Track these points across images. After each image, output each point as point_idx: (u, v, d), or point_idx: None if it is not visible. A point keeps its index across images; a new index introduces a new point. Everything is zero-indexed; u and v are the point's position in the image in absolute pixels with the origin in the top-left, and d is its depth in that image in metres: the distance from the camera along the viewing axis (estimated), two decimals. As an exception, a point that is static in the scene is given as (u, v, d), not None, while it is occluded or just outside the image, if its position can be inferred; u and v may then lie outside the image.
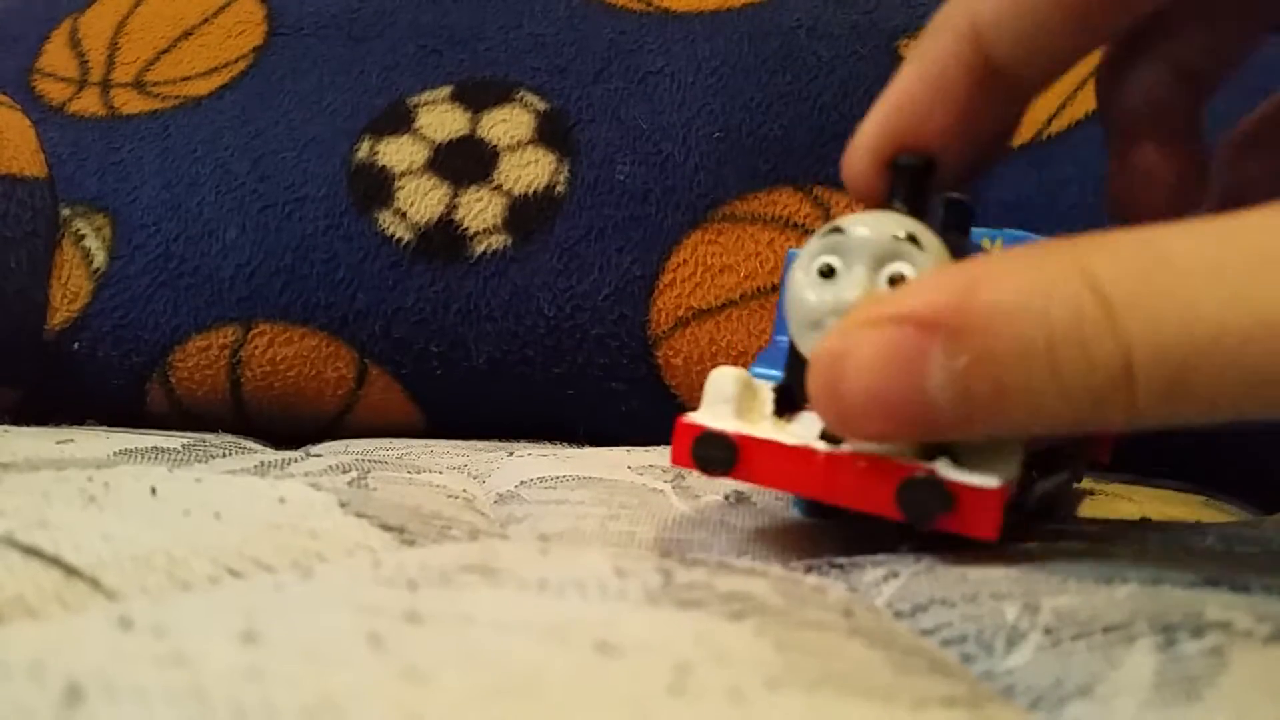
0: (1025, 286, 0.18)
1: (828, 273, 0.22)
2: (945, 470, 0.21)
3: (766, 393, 0.23)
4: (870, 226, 0.22)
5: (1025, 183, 0.42)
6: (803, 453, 0.22)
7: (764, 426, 0.22)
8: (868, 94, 0.45)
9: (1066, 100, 0.42)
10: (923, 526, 0.21)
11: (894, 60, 0.45)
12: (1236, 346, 0.17)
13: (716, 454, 0.22)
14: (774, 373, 0.24)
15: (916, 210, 0.23)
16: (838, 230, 0.22)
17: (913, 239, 0.22)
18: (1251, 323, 0.16)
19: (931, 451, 0.21)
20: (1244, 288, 0.17)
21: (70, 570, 0.18)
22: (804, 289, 0.22)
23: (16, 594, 0.16)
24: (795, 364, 0.23)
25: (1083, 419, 0.18)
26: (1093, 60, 0.43)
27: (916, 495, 0.21)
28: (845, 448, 0.22)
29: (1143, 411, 0.18)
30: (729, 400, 0.23)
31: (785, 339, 0.24)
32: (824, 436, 0.22)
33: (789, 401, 0.23)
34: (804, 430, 0.22)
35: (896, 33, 0.45)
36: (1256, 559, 0.23)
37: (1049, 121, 0.42)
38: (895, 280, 0.21)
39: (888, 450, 0.21)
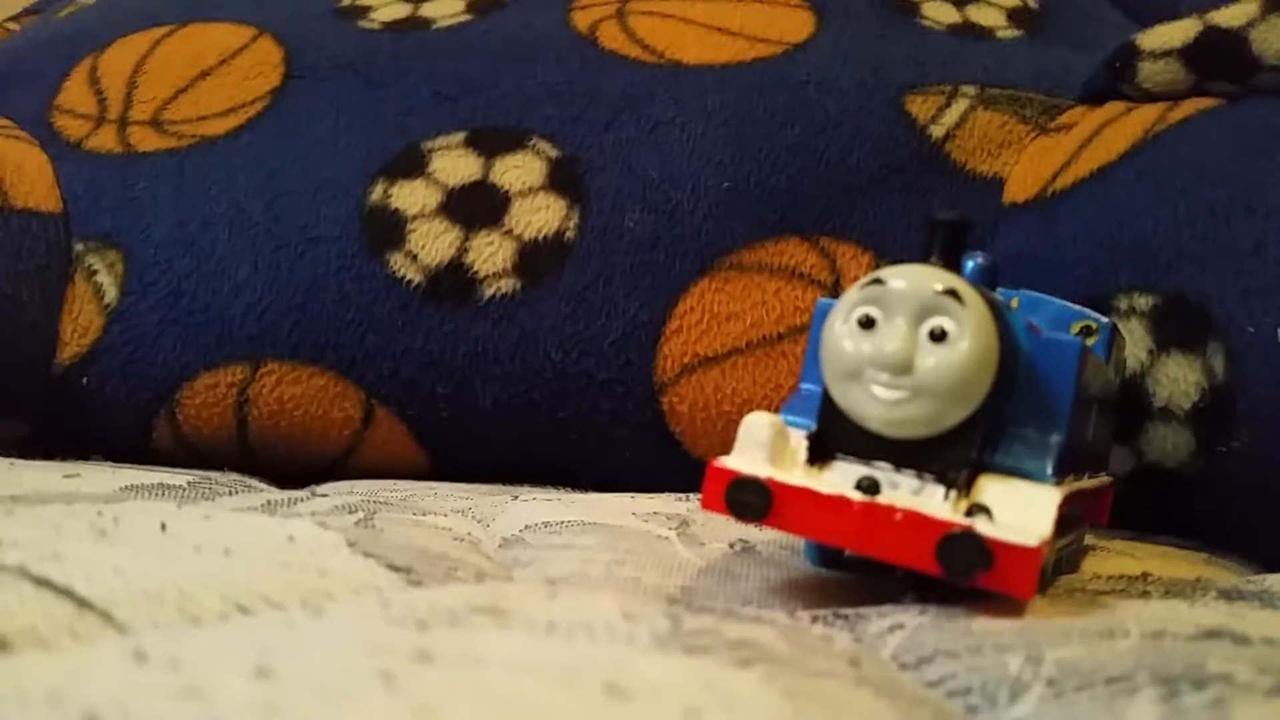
0: None
1: (867, 323, 0.22)
2: (984, 527, 0.21)
3: (799, 440, 0.23)
4: (911, 279, 0.22)
5: (1030, 239, 0.42)
6: (838, 502, 0.22)
7: (797, 474, 0.23)
8: (874, 148, 0.46)
9: (1071, 158, 0.43)
10: (961, 583, 0.21)
11: (900, 116, 0.45)
12: None
13: (751, 499, 0.22)
14: (803, 420, 0.24)
15: (953, 265, 0.23)
16: (878, 282, 0.22)
17: (953, 293, 0.22)
18: None
19: (969, 508, 0.22)
20: None
21: (82, 602, 0.18)
22: (843, 339, 0.22)
23: (29, 625, 0.17)
24: (829, 412, 0.23)
25: None
26: (1096, 119, 0.44)
27: (956, 551, 0.21)
28: (881, 499, 0.22)
29: None
30: (763, 446, 0.23)
31: (813, 387, 0.24)
32: (859, 486, 0.22)
33: (821, 449, 0.23)
34: (838, 479, 0.22)
35: (903, 89, 0.46)
36: (1258, 613, 0.23)
37: (1054, 178, 0.43)
38: (936, 334, 0.22)
39: (924, 505, 0.21)
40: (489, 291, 0.43)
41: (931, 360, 0.22)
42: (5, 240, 0.45)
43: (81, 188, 0.47)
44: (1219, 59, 0.41)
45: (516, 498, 0.36)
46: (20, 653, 0.16)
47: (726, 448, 0.24)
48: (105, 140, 0.49)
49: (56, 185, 0.47)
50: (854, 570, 0.25)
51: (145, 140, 0.48)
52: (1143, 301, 0.37)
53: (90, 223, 0.46)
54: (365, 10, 0.52)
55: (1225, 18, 0.41)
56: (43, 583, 0.18)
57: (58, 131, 0.49)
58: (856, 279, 0.42)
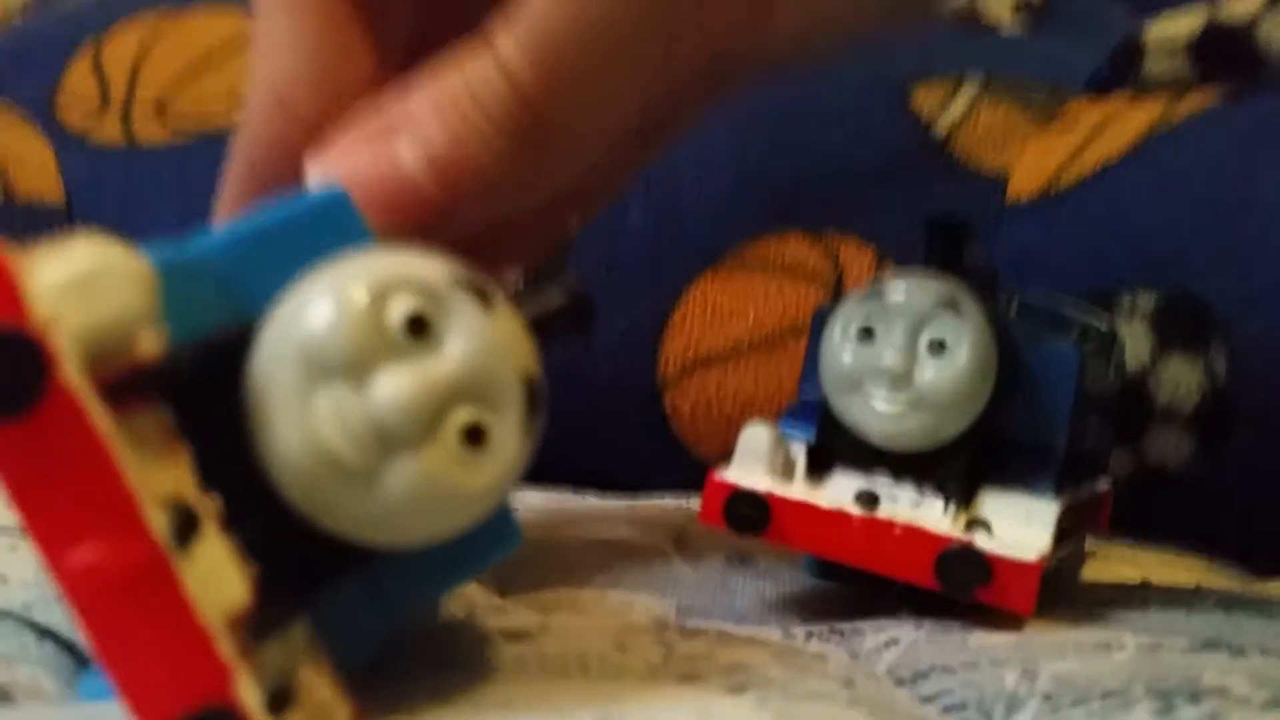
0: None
1: (866, 334, 0.22)
2: (983, 542, 0.21)
3: (797, 451, 0.23)
4: (909, 290, 0.22)
5: (1034, 236, 0.42)
6: (838, 516, 0.22)
7: (796, 487, 0.23)
8: (878, 140, 0.46)
9: (1075, 154, 0.43)
10: (960, 597, 0.21)
11: (905, 108, 0.45)
12: None
13: (750, 514, 0.22)
14: (801, 431, 0.24)
15: (954, 270, 0.23)
16: (877, 293, 0.22)
17: (952, 303, 0.22)
18: None
19: (968, 522, 0.22)
20: None
21: (85, 657, 0.18)
22: (842, 351, 0.22)
23: (31, 675, 0.17)
24: (828, 423, 0.23)
25: None
26: (1100, 113, 0.44)
27: (955, 566, 0.21)
28: (880, 513, 0.22)
29: None
30: (762, 458, 0.23)
31: (812, 397, 0.24)
32: (858, 499, 0.22)
33: (821, 462, 0.23)
34: (837, 491, 0.23)
35: (908, 81, 0.46)
36: (1255, 623, 0.24)
37: (1058, 175, 0.43)
38: (935, 344, 0.22)
39: (923, 518, 0.22)
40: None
41: (930, 373, 0.22)
42: (10, 232, 0.45)
43: (85, 178, 0.47)
44: (1225, 52, 0.41)
45: (516, 509, 0.36)
46: (21, 705, 0.16)
47: (727, 447, 0.24)
48: (108, 130, 0.48)
49: (59, 175, 0.47)
50: (851, 581, 0.26)
51: (148, 130, 0.48)
52: (1146, 299, 0.37)
53: (93, 214, 0.46)
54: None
55: (1232, 11, 0.41)
56: (46, 633, 0.18)
57: (61, 121, 0.49)
58: (858, 276, 0.42)
